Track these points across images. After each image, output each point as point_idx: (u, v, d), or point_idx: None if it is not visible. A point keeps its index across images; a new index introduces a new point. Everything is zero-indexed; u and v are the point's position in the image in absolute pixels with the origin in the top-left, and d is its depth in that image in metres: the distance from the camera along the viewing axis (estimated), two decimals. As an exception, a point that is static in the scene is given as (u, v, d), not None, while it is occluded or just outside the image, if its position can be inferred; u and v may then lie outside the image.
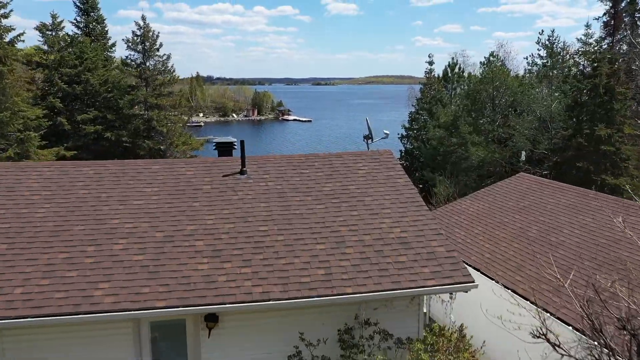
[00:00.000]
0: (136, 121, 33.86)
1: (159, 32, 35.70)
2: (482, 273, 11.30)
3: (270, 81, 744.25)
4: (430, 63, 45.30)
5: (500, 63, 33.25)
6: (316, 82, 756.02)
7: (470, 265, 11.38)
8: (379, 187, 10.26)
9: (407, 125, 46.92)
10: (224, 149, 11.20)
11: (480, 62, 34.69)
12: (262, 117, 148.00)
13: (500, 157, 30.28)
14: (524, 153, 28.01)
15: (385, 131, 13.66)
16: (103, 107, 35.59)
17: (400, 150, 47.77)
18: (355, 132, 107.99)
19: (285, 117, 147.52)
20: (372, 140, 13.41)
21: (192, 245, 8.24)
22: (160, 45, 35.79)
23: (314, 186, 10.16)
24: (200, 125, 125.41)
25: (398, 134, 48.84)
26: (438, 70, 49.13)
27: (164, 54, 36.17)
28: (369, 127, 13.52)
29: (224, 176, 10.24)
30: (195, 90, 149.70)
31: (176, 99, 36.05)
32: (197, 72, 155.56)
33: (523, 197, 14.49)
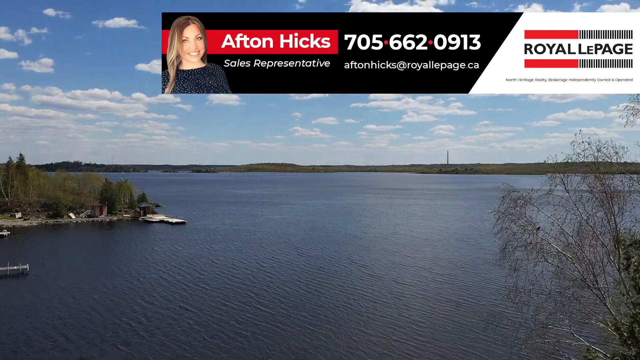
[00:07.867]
0: None
1: None
2: None
3: (147, 168, 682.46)
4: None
5: None
6: (196, 169, 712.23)
7: None
8: None
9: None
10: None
11: None
12: (114, 218, 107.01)
13: None
14: None
15: None
16: None
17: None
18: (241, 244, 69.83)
19: (149, 216, 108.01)
20: None
21: None
22: None
23: None
24: (3, 236, 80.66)
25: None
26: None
27: None
28: None
29: None
30: (12, 180, 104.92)
31: None
32: (21, 154, 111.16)
33: None
